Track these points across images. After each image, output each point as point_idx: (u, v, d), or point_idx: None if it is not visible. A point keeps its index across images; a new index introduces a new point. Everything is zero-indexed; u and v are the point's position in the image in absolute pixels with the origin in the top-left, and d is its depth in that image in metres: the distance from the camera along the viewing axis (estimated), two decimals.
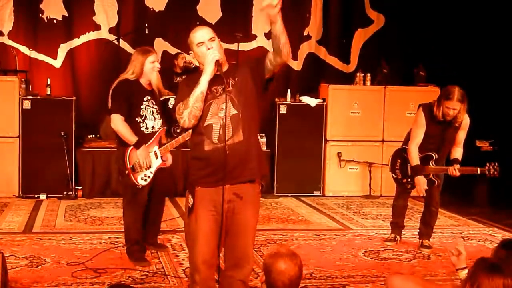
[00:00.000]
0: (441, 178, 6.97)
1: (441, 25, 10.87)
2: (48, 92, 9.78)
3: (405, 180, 7.16)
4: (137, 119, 6.26)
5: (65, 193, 9.52)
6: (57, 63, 10.74)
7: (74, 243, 7.09)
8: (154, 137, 6.34)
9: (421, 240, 7.20)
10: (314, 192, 10.30)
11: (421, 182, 6.84)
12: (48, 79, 9.82)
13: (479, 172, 6.62)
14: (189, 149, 4.83)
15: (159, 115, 6.40)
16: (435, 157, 6.80)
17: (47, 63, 10.70)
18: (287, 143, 10.18)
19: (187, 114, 4.32)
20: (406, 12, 11.32)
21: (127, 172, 6.24)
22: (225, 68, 4.43)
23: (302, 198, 10.04)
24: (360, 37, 11.66)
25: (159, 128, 6.40)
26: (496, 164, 6.55)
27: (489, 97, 9.85)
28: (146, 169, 6.27)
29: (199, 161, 4.41)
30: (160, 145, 6.42)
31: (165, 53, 10.88)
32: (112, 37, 10.75)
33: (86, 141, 10.02)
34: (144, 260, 6.37)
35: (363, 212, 9.25)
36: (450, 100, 6.55)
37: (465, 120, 6.75)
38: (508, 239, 4.25)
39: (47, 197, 9.48)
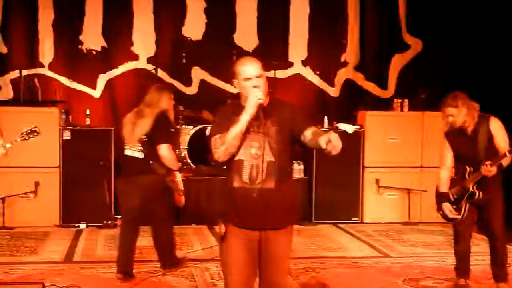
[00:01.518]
0: (494, 196, 6.30)
1: (480, 48, 10.73)
2: (88, 123, 9.93)
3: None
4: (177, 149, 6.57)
5: (104, 222, 9.59)
6: (96, 93, 10.84)
7: (114, 272, 7.03)
8: None
9: (496, 284, 6.50)
10: (353, 219, 10.26)
11: (445, 208, 6.38)
12: (88, 110, 9.97)
13: (508, 154, 6.00)
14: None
15: None
16: (469, 169, 6.26)
17: (87, 93, 10.80)
18: (325, 170, 10.14)
19: (223, 150, 4.25)
20: (444, 36, 11.24)
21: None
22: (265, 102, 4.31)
23: (340, 226, 10.00)
24: (397, 62, 11.59)
25: None
26: None
27: None
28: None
29: (227, 196, 4.36)
30: None
31: (202, 82, 10.98)
32: (150, 67, 10.84)
33: None
34: None
35: (402, 239, 9.16)
36: (443, 108, 6.32)
37: (495, 123, 6.25)
38: None
39: (87, 226, 9.56)
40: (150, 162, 6.75)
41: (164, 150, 6.72)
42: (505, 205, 6.37)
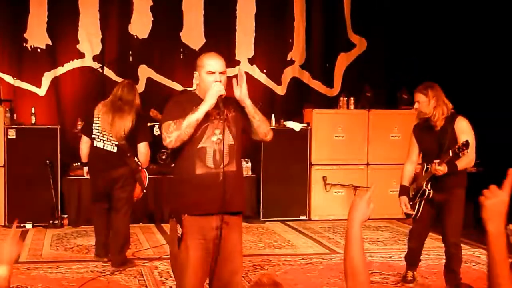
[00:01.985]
0: (450, 199, 6.12)
1: (423, 48, 10.92)
2: (33, 121, 9.80)
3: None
4: None
5: (51, 221, 9.50)
6: (42, 91, 10.68)
7: (61, 272, 7.07)
8: None
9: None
10: (300, 216, 10.33)
11: (401, 201, 6.30)
12: (33, 108, 9.83)
13: (451, 154, 5.82)
14: (172, 175, 4.83)
15: None
16: (427, 166, 6.12)
17: (32, 91, 10.64)
18: (272, 168, 10.23)
19: (175, 136, 4.31)
20: (388, 36, 11.44)
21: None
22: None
23: (288, 223, 10.06)
24: (343, 61, 11.67)
25: None
26: (465, 141, 5.78)
27: (474, 118, 9.70)
28: None
29: (188, 185, 4.39)
30: None
31: (149, 80, 10.91)
32: (96, 65, 10.75)
33: (71, 169, 9.98)
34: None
35: None
36: (414, 93, 6.18)
37: (459, 123, 6.06)
38: None
39: (33, 226, 9.45)
40: (128, 154, 7.09)
41: (144, 147, 7.19)
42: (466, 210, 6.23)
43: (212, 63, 4.44)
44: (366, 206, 2.78)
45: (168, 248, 4.80)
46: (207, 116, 4.35)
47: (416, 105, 6.16)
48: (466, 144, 5.76)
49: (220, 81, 4.39)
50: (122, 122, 7.02)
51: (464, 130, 6.02)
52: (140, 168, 7.26)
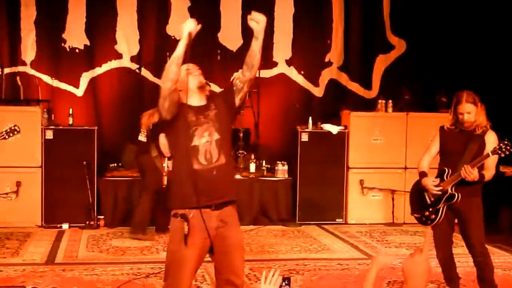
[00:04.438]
0: (473, 207, 5.95)
1: (463, 50, 10.80)
2: (70, 122, 9.82)
3: (427, 212, 6.13)
4: None
5: (87, 222, 9.53)
6: (79, 92, 10.78)
7: (96, 274, 7.06)
8: None
9: None
10: (337, 220, 10.25)
11: (428, 182, 6.03)
12: (70, 109, 9.84)
13: (491, 155, 5.70)
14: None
15: None
16: (448, 171, 5.92)
17: (69, 92, 10.74)
18: (309, 171, 10.15)
19: (164, 78, 4.50)
20: (428, 37, 11.29)
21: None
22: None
23: (324, 226, 9.98)
24: (381, 62, 11.61)
25: None
26: (506, 140, 5.68)
27: None
28: None
29: (187, 180, 4.56)
30: None
31: None
32: (134, 66, 10.80)
33: (108, 170, 10.05)
34: None
35: (387, 240, 9.17)
36: (460, 104, 5.87)
37: (490, 134, 5.92)
38: None
39: (69, 227, 9.48)
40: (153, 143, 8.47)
41: (163, 138, 7.54)
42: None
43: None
44: (391, 258, 3.01)
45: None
46: (198, 121, 4.61)
47: (466, 117, 5.90)
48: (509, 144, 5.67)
49: (191, 70, 4.65)
50: (153, 117, 8.51)
51: (493, 142, 5.86)
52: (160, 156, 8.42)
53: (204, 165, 4.56)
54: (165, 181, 8.10)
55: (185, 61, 4.52)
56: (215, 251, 4.64)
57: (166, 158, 7.95)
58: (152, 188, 8.70)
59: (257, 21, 4.63)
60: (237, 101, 4.74)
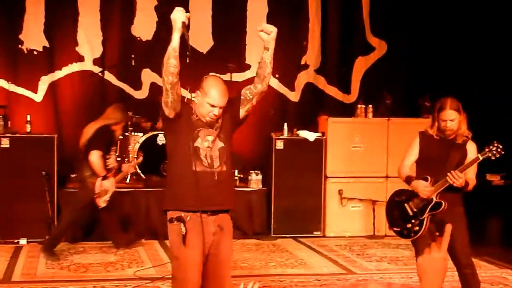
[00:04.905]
0: (457, 216, 5.80)
1: (447, 52, 10.77)
2: (28, 129, 9.57)
3: (409, 225, 5.96)
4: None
5: (46, 237, 8.96)
6: (38, 97, 10.49)
7: None
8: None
9: None
10: (314, 232, 10.07)
11: (419, 184, 5.88)
12: (28, 116, 9.59)
13: (481, 158, 5.70)
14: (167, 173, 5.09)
15: None
16: (430, 179, 5.84)
17: (27, 97, 10.44)
18: (285, 180, 9.98)
19: (163, 73, 4.54)
20: (410, 38, 11.20)
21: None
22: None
23: (301, 240, 9.79)
24: (361, 65, 11.47)
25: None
26: (495, 142, 5.71)
27: (499, 127, 9.48)
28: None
29: (187, 181, 4.64)
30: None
31: (153, 85, 10.63)
32: (96, 69, 10.53)
33: (69, 181, 9.74)
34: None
35: (367, 254, 9.03)
36: (443, 111, 5.84)
37: (471, 145, 5.92)
38: None
39: (28, 242, 9.16)
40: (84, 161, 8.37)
41: (95, 155, 8.20)
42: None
43: (216, 97, 4.67)
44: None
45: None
46: (202, 122, 4.73)
47: (449, 124, 5.83)
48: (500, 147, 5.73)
49: (217, 115, 4.69)
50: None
51: (475, 153, 5.87)
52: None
53: (206, 168, 4.68)
54: (99, 203, 8.26)
55: (186, 50, 4.64)
56: (207, 264, 4.73)
57: (100, 178, 8.15)
58: (80, 205, 8.48)
59: (268, 32, 4.71)
60: (243, 112, 4.85)
